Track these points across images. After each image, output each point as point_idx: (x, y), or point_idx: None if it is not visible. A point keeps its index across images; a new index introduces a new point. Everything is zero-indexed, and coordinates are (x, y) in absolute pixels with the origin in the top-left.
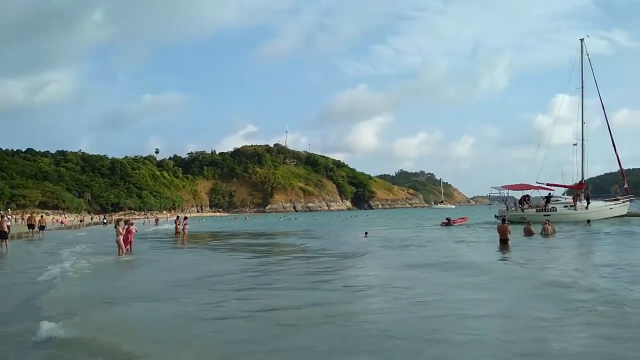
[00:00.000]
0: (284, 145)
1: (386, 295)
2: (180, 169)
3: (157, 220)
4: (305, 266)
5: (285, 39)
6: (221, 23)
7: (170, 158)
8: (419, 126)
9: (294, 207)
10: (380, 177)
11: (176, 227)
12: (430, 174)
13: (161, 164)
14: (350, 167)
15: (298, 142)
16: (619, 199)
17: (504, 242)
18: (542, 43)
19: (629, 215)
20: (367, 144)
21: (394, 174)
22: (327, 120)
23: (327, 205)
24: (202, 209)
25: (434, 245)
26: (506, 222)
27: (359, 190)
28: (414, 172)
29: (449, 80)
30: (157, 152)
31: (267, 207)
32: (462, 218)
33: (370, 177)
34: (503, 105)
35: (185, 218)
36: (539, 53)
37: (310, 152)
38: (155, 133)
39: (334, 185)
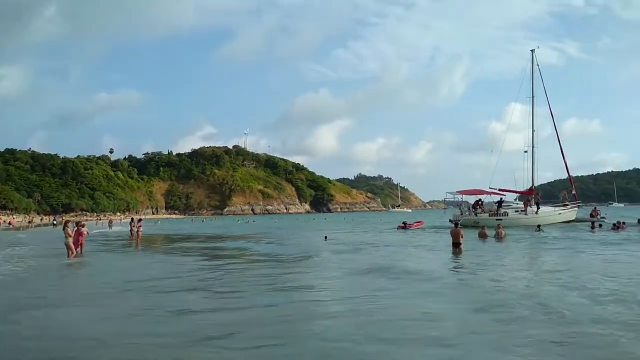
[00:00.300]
0: (243, 147)
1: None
2: (136, 169)
3: (110, 222)
4: (251, 270)
5: (245, 40)
6: (179, 22)
7: (125, 158)
8: (379, 131)
9: (253, 210)
10: (340, 180)
11: (130, 229)
12: (388, 178)
13: (115, 164)
14: (310, 170)
15: (258, 144)
16: (567, 205)
17: (456, 246)
18: (498, 52)
19: (577, 220)
20: (327, 148)
21: (353, 178)
22: (288, 123)
23: (286, 208)
24: (157, 210)
25: (388, 249)
26: (459, 226)
27: (318, 193)
28: (372, 176)
29: (409, 86)
30: (111, 152)
31: (225, 210)
32: (418, 222)
33: (329, 181)
34: (460, 112)
35: (140, 220)
36: (494, 61)
37: (270, 154)
38: (109, 132)
39: (293, 188)
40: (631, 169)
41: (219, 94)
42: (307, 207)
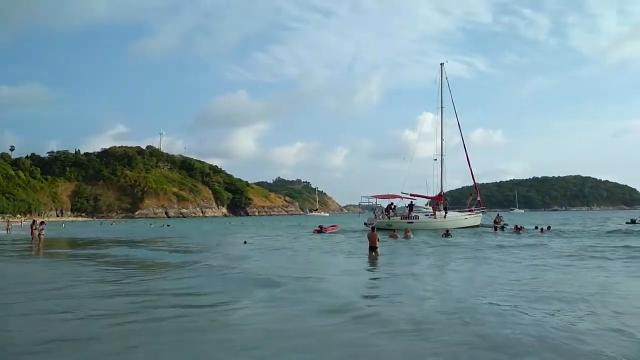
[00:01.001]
0: (157, 147)
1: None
2: (39, 169)
3: (9, 224)
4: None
5: (163, 38)
6: (92, 15)
7: (27, 157)
8: (297, 135)
9: (167, 213)
10: (258, 184)
11: (32, 233)
12: (306, 182)
13: (16, 163)
14: (228, 173)
15: (173, 145)
16: (473, 210)
17: (373, 249)
18: (412, 63)
19: (481, 225)
20: (246, 151)
21: (271, 182)
22: (205, 124)
23: (202, 212)
24: (62, 213)
25: (302, 254)
26: (375, 230)
27: (235, 196)
28: (291, 180)
29: (327, 92)
30: (12, 150)
31: (137, 213)
32: (333, 226)
33: (247, 184)
34: (376, 119)
35: (42, 223)
36: (409, 72)
37: (186, 156)
38: (10, 129)
39: (210, 191)
40: (531, 177)
41: (133, 92)
42: (225, 210)
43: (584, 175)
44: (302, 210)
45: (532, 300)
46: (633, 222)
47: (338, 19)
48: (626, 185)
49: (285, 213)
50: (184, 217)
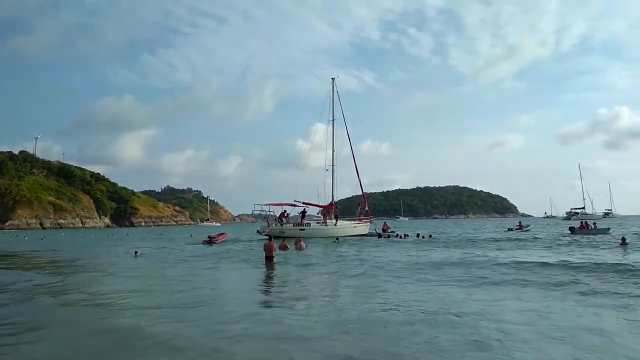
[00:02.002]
0: (32, 153)
1: None
2: None
3: None
4: None
5: (40, 34)
6: None
7: None
8: (188, 142)
9: (41, 224)
10: (145, 193)
11: None
12: (197, 191)
13: None
14: (112, 181)
15: (50, 150)
16: (362, 219)
17: (269, 259)
18: (304, 74)
19: (369, 235)
20: (132, 158)
21: (159, 190)
22: (87, 129)
23: (82, 222)
24: None
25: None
26: (272, 239)
27: (120, 206)
28: (181, 188)
29: (220, 100)
30: None
31: (7, 224)
32: (222, 234)
33: (133, 193)
34: (269, 128)
35: None
36: (301, 83)
37: (65, 162)
38: None
39: (92, 201)
40: (415, 187)
41: (5, 92)
42: (107, 221)
43: (461, 185)
44: (193, 220)
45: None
46: (511, 230)
47: (231, 26)
48: (498, 195)
49: (175, 223)
50: (61, 227)
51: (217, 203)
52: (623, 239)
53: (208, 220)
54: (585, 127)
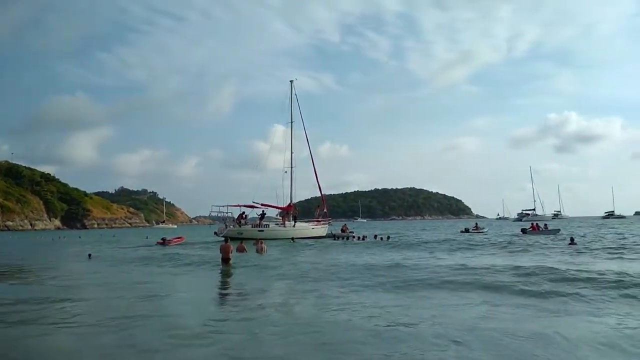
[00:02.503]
0: None
1: None
2: None
3: None
4: None
5: None
6: None
7: None
8: (144, 142)
9: None
10: (98, 194)
11: None
12: (153, 192)
13: None
14: (63, 181)
15: None
16: (320, 221)
17: (226, 261)
18: (264, 75)
19: (327, 236)
20: (84, 158)
21: (113, 191)
22: (37, 128)
23: (31, 224)
24: None
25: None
26: (228, 241)
27: (71, 207)
28: (136, 190)
29: (177, 99)
30: None
31: None
32: (179, 237)
33: (85, 194)
34: (228, 129)
35: None
36: (261, 84)
37: (13, 162)
38: None
39: (41, 202)
40: (372, 189)
41: None
42: (58, 223)
43: (418, 187)
44: (148, 222)
45: None
46: (467, 230)
47: (189, 25)
48: (453, 197)
49: (129, 225)
50: (9, 230)
51: (173, 205)
52: (572, 239)
53: (164, 222)
54: (535, 131)
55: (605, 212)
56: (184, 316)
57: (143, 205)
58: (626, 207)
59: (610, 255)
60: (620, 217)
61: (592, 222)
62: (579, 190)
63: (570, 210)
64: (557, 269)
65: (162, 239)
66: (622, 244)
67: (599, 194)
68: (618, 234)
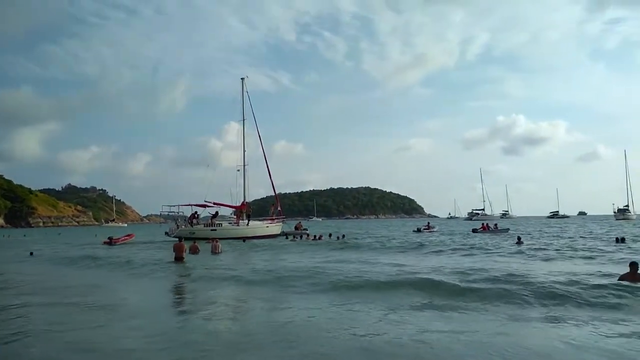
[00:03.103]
0: None
1: None
2: None
3: None
4: None
5: None
6: None
7: None
8: (93, 138)
9: None
10: (44, 191)
11: None
12: (102, 190)
13: None
14: (6, 178)
15: None
16: (274, 219)
17: (179, 260)
18: (219, 72)
19: (281, 234)
20: (30, 154)
21: (60, 189)
22: None
23: None
24: None
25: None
26: (182, 240)
27: (15, 205)
28: (84, 187)
29: (129, 95)
30: None
31: None
32: (128, 235)
33: (30, 191)
34: (181, 126)
35: None
36: (215, 81)
37: None
38: None
39: None
40: (328, 188)
41: None
42: (1, 221)
43: (372, 186)
44: (97, 221)
45: None
46: (419, 230)
47: (142, 19)
48: (406, 197)
49: (77, 224)
50: None
51: (123, 203)
52: (519, 238)
53: (113, 220)
54: (485, 133)
55: (550, 212)
56: (116, 329)
57: (92, 203)
58: (570, 207)
59: (546, 255)
60: (564, 216)
61: (538, 222)
62: (526, 190)
63: (517, 210)
64: (499, 269)
65: (109, 237)
66: (556, 247)
67: (544, 194)
68: (557, 235)
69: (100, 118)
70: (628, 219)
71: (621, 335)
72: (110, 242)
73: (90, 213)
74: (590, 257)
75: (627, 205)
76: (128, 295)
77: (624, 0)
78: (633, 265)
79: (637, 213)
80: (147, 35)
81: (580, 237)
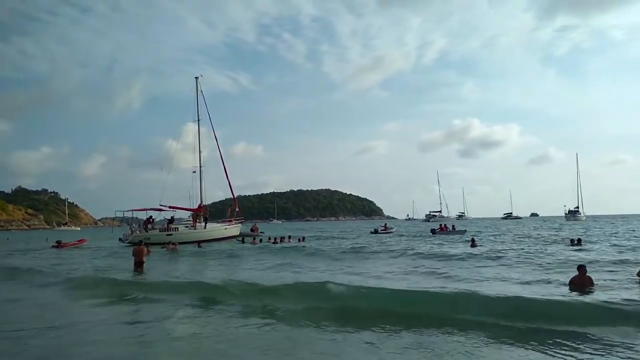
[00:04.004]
0: None
1: None
2: None
3: None
4: None
5: None
6: None
7: None
8: (44, 139)
9: None
10: None
11: None
12: (54, 192)
13: None
14: None
15: None
16: (232, 221)
17: (139, 265)
18: (177, 72)
19: (240, 235)
20: None
21: (9, 191)
22: None
23: None
24: None
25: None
26: (143, 243)
27: None
28: (35, 189)
29: (82, 94)
30: None
31: None
32: (80, 240)
33: None
34: (137, 127)
35: None
36: (173, 81)
37: None
38: None
39: None
40: (288, 190)
41: None
42: None
43: (332, 189)
44: (49, 224)
45: None
46: (376, 231)
47: (97, 16)
48: (366, 199)
49: (27, 227)
50: None
51: (76, 206)
52: (472, 240)
53: (66, 224)
54: (442, 136)
55: (504, 214)
56: None
57: (43, 206)
58: (523, 208)
59: (499, 260)
60: (517, 218)
61: (493, 223)
62: (481, 192)
63: (473, 212)
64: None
65: (57, 241)
66: (508, 247)
67: (499, 196)
68: (513, 239)
69: (52, 118)
70: (578, 220)
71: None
72: (59, 245)
73: (42, 216)
74: (540, 264)
75: (578, 207)
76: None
77: (572, 9)
78: (581, 268)
79: (587, 214)
80: (101, 32)
81: (534, 238)
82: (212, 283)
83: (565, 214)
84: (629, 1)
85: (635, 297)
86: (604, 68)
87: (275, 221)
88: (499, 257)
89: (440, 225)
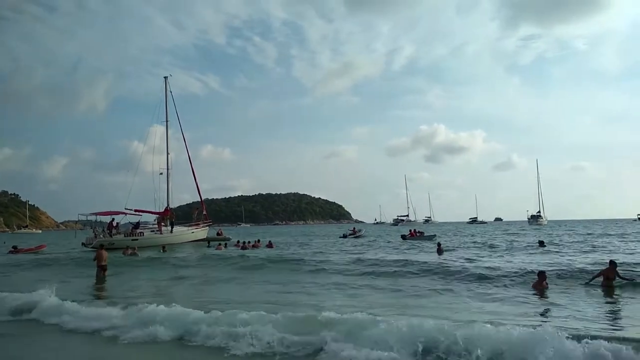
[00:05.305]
0: None
1: None
2: None
3: None
4: None
5: None
6: None
7: None
8: (4, 139)
9: None
10: None
11: None
12: (14, 194)
13: None
14: None
15: None
16: (199, 224)
17: (102, 269)
18: (144, 73)
19: (207, 239)
20: None
21: None
22: None
23: None
24: None
25: None
26: (104, 247)
27: None
28: None
29: (44, 93)
30: None
31: None
32: (39, 246)
33: None
34: (102, 128)
35: None
36: (140, 81)
37: None
38: None
39: None
40: (256, 194)
41: None
42: None
43: (301, 192)
44: (8, 227)
45: None
46: (345, 236)
47: (62, 14)
48: (335, 202)
49: None
50: None
51: (37, 208)
52: (439, 245)
53: (27, 227)
54: (409, 142)
55: (470, 218)
56: None
57: (2, 208)
58: (487, 213)
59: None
60: (482, 222)
61: (459, 227)
62: (447, 197)
63: (439, 216)
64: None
65: (14, 247)
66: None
67: (464, 201)
68: (482, 243)
69: (12, 117)
70: (540, 224)
71: None
72: (15, 250)
73: (1, 219)
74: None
75: (539, 212)
76: None
77: (536, 19)
78: (541, 274)
79: (549, 219)
80: (66, 31)
81: (499, 243)
82: None
83: (528, 218)
84: (590, 12)
85: None
86: (565, 77)
87: (243, 225)
88: (465, 266)
89: (411, 230)
